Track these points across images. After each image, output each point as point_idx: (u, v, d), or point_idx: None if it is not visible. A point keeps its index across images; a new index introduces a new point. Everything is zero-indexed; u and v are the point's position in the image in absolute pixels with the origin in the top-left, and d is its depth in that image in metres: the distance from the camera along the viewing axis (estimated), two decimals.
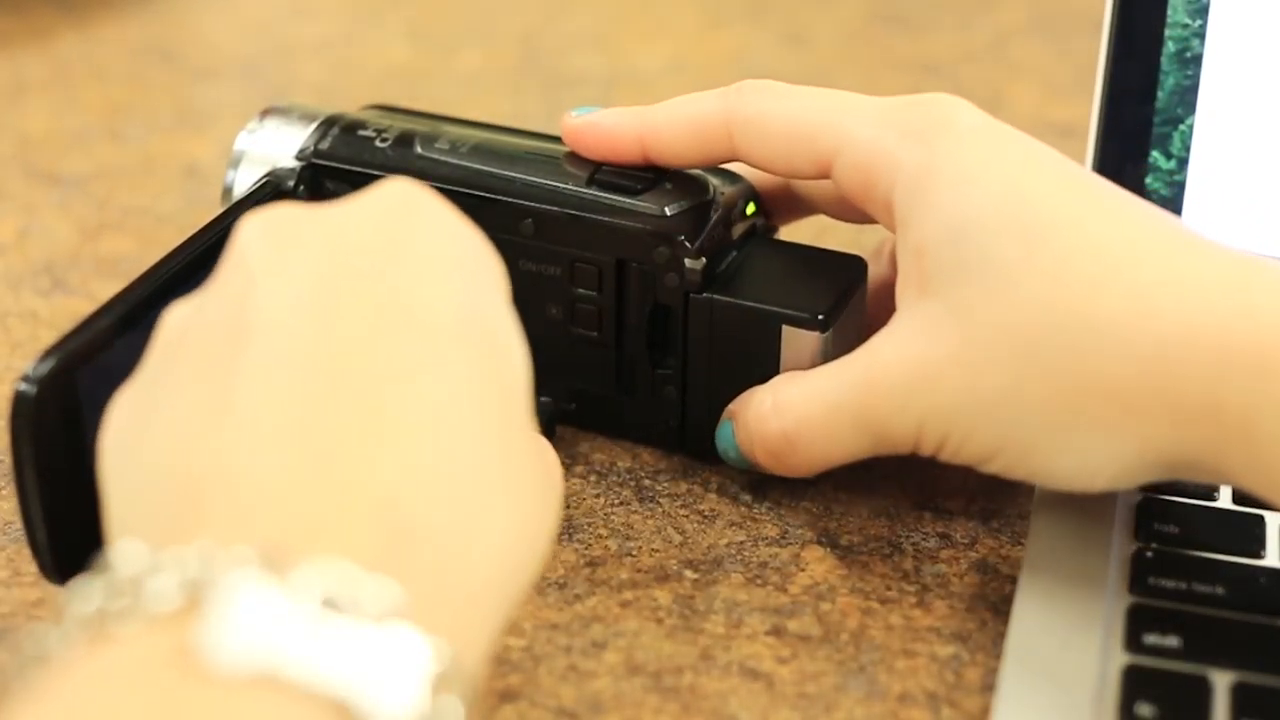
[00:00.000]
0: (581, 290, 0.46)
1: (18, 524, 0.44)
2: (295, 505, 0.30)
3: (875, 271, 0.47)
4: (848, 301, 0.45)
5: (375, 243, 0.35)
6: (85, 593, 0.28)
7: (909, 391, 0.40)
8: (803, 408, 0.43)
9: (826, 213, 0.49)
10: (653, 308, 0.46)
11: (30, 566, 0.43)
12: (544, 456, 0.36)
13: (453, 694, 0.28)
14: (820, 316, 0.44)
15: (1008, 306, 0.39)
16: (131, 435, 0.33)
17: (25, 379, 0.38)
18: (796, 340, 0.44)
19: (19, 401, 0.38)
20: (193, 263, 0.44)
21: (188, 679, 0.26)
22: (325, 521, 0.29)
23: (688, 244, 0.45)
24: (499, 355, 0.35)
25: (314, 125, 0.49)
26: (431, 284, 0.34)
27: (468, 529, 0.31)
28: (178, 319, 0.35)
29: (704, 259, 0.45)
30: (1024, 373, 0.39)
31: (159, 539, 0.30)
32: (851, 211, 0.47)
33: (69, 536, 0.41)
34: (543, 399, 0.48)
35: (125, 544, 0.29)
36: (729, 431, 0.45)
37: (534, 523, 0.34)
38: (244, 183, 0.49)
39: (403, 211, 0.36)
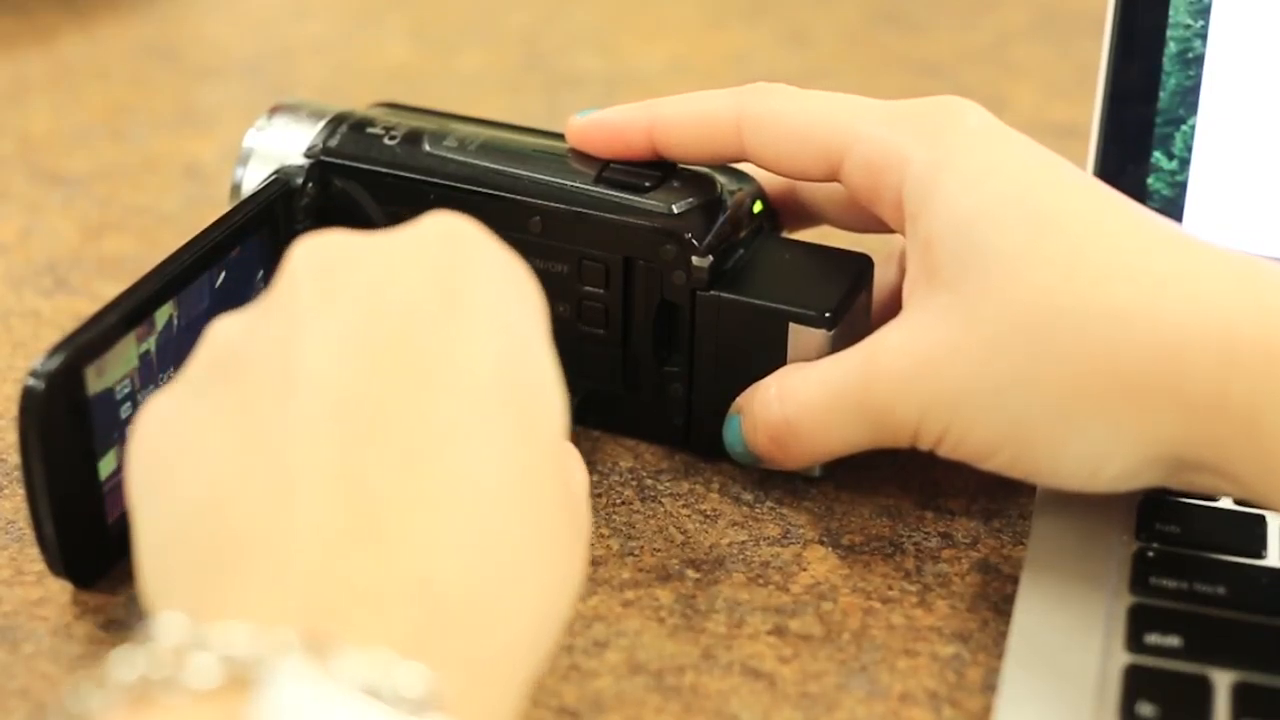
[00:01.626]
0: (589, 288, 0.46)
1: (20, 523, 0.45)
2: (335, 580, 0.30)
3: (885, 276, 0.47)
4: (854, 299, 0.45)
5: (424, 289, 0.34)
6: (128, 659, 0.28)
7: (912, 379, 0.40)
8: (805, 394, 0.43)
9: (831, 220, 0.49)
10: (659, 305, 0.46)
11: (33, 565, 0.43)
12: (573, 506, 0.35)
13: None
14: (827, 314, 0.44)
15: (1015, 295, 0.39)
16: (166, 454, 0.33)
17: (34, 374, 0.39)
18: (803, 338, 0.44)
19: (28, 397, 0.38)
20: (199, 261, 0.44)
21: None
22: (364, 600, 0.29)
23: (695, 242, 0.45)
24: (539, 411, 0.34)
25: (322, 123, 0.49)
26: (478, 338, 0.34)
27: (502, 602, 0.31)
28: (224, 337, 0.35)
29: (711, 257, 0.45)
30: (1029, 362, 0.39)
31: (194, 593, 0.30)
32: (856, 218, 0.47)
33: (76, 532, 0.41)
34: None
35: (168, 616, 0.29)
36: (736, 426, 0.45)
37: (564, 579, 0.34)
38: (252, 180, 0.49)
39: (453, 252, 0.36)
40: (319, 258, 0.35)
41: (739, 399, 0.45)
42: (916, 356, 0.40)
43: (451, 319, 0.34)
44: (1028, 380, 0.39)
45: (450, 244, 0.36)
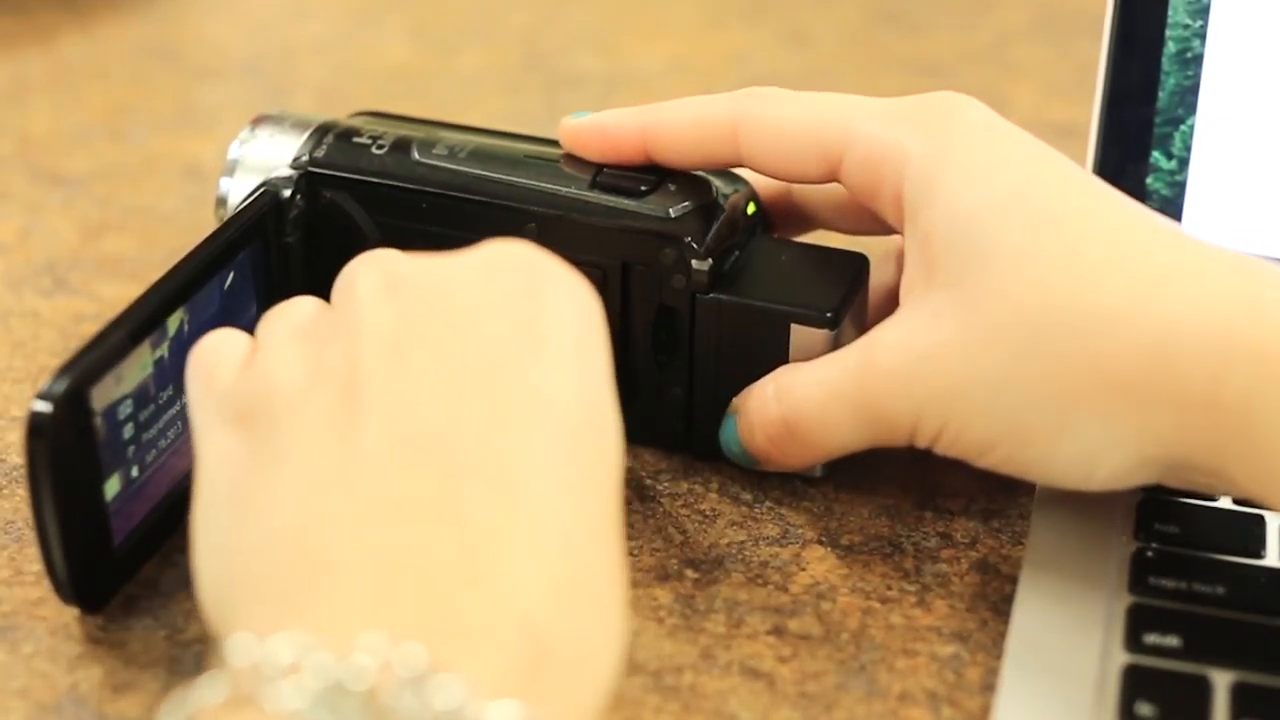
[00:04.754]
0: None
1: (19, 523, 0.45)
2: (436, 610, 0.30)
3: (882, 276, 0.47)
4: (853, 299, 0.45)
5: (506, 321, 0.35)
6: (222, 676, 0.29)
7: (910, 376, 0.40)
8: (803, 393, 0.43)
9: (826, 224, 0.49)
10: (658, 309, 0.46)
11: (33, 565, 0.43)
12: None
13: None
14: (829, 314, 0.44)
15: (1012, 292, 0.39)
16: (236, 482, 0.34)
17: (41, 397, 0.38)
18: (805, 338, 0.44)
19: (36, 420, 0.38)
20: (199, 277, 0.43)
21: None
22: (466, 633, 0.30)
23: (694, 245, 0.45)
24: (609, 449, 0.35)
25: (307, 133, 0.49)
26: (562, 379, 0.34)
27: (590, 640, 0.32)
28: (283, 366, 0.35)
29: (711, 260, 0.45)
30: (1026, 359, 0.39)
31: (271, 602, 0.30)
32: (852, 221, 0.47)
33: (85, 561, 0.40)
34: None
35: (280, 637, 0.29)
36: (733, 426, 0.45)
37: (626, 613, 0.34)
38: (238, 192, 0.48)
39: (529, 282, 0.36)
40: (379, 279, 0.35)
41: (735, 400, 0.45)
42: (914, 353, 0.40)
43: (536, 356, 0.34)
44: (1024, 378, 0.39)
45: (525, 273, 0.36)
